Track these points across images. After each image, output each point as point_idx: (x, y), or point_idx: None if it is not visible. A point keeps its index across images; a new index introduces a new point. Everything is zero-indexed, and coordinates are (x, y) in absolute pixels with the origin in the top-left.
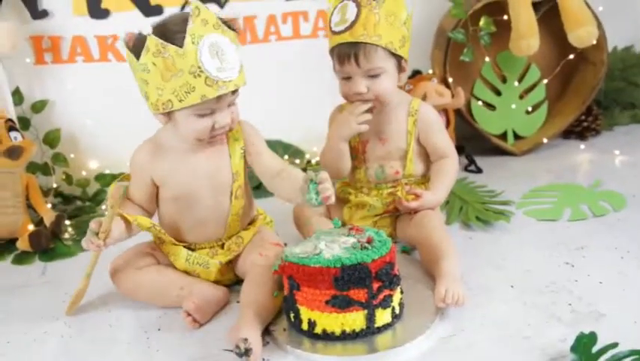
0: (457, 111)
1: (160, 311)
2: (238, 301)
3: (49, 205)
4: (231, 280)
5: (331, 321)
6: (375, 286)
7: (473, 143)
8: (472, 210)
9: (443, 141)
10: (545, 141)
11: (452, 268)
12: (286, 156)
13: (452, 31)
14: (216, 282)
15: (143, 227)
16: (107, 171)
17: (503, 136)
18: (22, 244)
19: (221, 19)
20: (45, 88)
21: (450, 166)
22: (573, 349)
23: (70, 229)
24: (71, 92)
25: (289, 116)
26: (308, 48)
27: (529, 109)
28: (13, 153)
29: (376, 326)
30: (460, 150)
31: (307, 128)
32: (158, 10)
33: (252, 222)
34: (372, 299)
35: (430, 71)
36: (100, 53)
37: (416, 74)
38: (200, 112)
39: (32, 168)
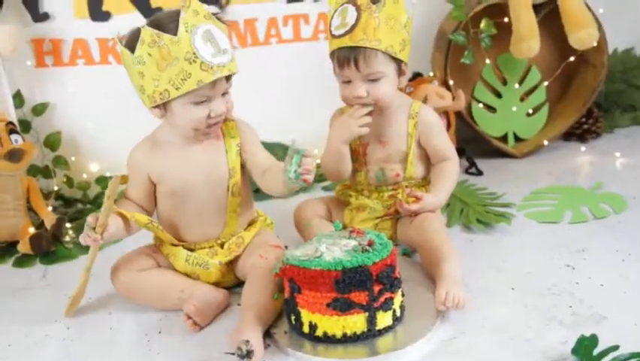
0: (458, 114)
1: (160, 314)
2: (239, 304)
3: (49, 208)
4: (232, 282)
5: (332, 324)
6: (376, 288)
7: (474, 145)
8: (473, 212)
9: (444, 143)
10: (546, 143)
11: (453, 270)
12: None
13: (453, 34)
14: (217, 283)
15: (140, 224)
16: (108, 174)
17: (504, 138)
18: (23, 247)
19: (212, 13)
20: (46, 91)
21: (451, 168)
22: (574, 351)
23: (71, 232)
24: (72, 95)
25: (289, 119)
26: (309, 51)
27: (530, 111)
28: (14, 155)
29: (377, 328)
30: (460, 152)
31: (308, 131)
32: (158, 12)
33: (252, 224)
34: (373, 302)
35: (431, 74)
36: (101, 55)
37: (417, 76)
38: (196, 99)
39: (33, 170)
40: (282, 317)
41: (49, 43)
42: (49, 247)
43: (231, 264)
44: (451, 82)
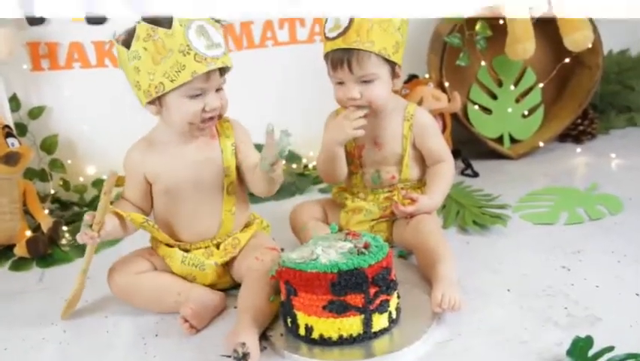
0: (454, 115)
1: (157, 317)
2: (235, 307)
3: (46, 211)
4: (229, 284)
5: (328, 326)
6: (372, 291)
7: (469, 147)
8: (469, 214)
9: (439, 145)
10: (542, 144)
11: (449, 272)
12: (283, 161)
13: (448, 36)
14: (213, 285)
15: (136, 223)
16: (105, 177)
17: (499, 140)
18: (20, 251)
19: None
20: (42, 94)
21: (446, 170)
22: (569, 353)
23: (67, 235)
24: (68, 98)
25: (286, 121)
26: (304, 53)
27: (526, 113)
28: (11, 159)
29: (373, 330)
30: (456, 153)
31: (304, 133)
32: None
33: (248, 226)
34: (369, 304)
35: (427, 76)
36: (97, 58)
37: (412, 78)
38: (190, 93)
39: (30, 174)
40: (278, 319)
41: (45, 47)
42: (45, 250)
43: (227, 265)
44: (446, 84)
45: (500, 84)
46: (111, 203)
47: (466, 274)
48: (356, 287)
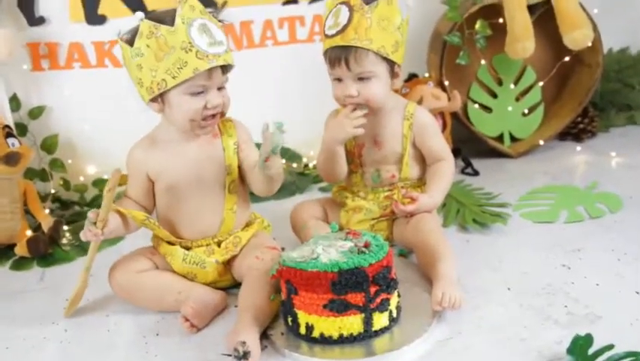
0: (454, 114)
1: (158, 316)
2: (236, 306)
3: (47, 211)
4: (230, 282)
5: (329, 325)
6: (373, 290)
7: (469, 145)
8: (469, 212)
9: (439, 144)
10: (542, 143)
11: (449, 270)
12: (283, 160)
13: (448, 35)
14: (214, 284)
15: (137, 220)
16: (105, 177)
17: (500, 138)
18: (21, 250)
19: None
20: (42, 94)
21: (446, 169)
22: (569, 351)
23: (68, 235)
24: (68, 98)
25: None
26: (304, 53)
27: (526, 111)
28: (11, 159)
29: (374, 329)
30: (456, 152)
31: (304, 132)
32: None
33: (249, 225)
34: (369, 303)
35: (427, 75)
36: (97, 59)
37: (412, 77)
38: (192, 90)
39: (30, 174)
40: (279, 318)
41: (45, 47)
42: (46, 250)
43: (228, 264)
44: (446, 83)
45: (500, 83)
46: (113, 201)
47: (467, 273)
48: (356, 286)
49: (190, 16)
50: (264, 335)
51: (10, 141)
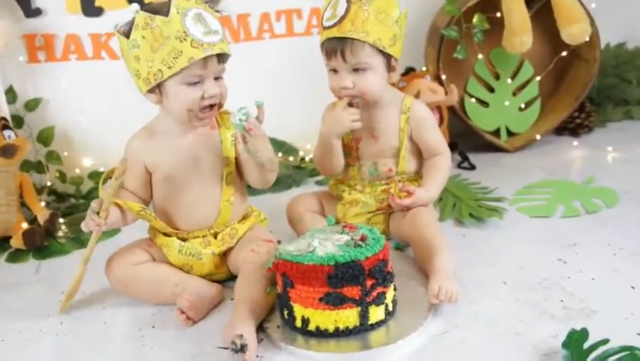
0: (451, 108)
1: (154, 308)
2: (232, 299)
3: (42, 203)
4: (226, 275)
5: (325, 318)
6: (369, 283)
7: (466, 140)
8: (466, 206)
9: (436, 138)
10: (538, 137)
11: (445, 264)
12: (280, 154)
13: (445, 29)
14: (210, 276)
15: (133, 211)
16: (101, 169)
17: (496, 133)
18: (16, 242)
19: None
20: (38, 86)
21: (443, 163)
22: (565, 345)
23: (64, 227)
24: (65, 90)
25: (283, 114)
26: (301, 46)
27: (523, 106)
28: (7, 151)
29: (370, 323)
30: (453, 146)
31: (301, 126)
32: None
33: (246, 217)
34: (365, 296)
35: (424, 69)
36: (93, 50)
37: (409, 71)
38: (189, 80)
39: (26, 166)
40: (275, 311)
41: (42, 39)
42: (42, 242)
43: (224, 256)
44: (443, 77)
45: (497, 77)
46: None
47: (463, 267)
48: (353, 279)
49: (185, 6)
50: (260, 328)
51: (7, 133)
